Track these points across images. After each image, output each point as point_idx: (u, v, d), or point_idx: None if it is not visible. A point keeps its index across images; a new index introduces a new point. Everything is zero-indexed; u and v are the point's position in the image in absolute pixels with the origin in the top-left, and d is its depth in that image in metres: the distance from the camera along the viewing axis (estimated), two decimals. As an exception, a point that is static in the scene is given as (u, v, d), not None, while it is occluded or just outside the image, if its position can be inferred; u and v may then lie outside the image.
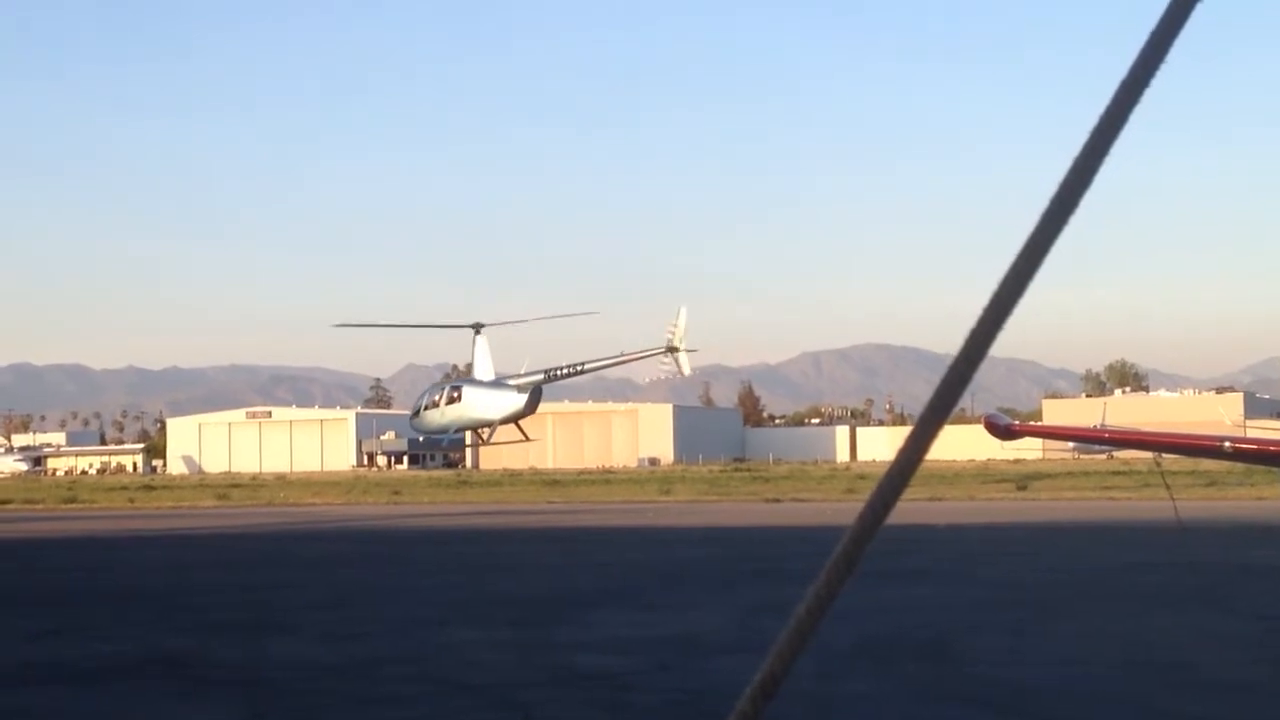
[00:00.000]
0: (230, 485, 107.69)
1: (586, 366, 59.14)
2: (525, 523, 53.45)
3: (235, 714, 14.25)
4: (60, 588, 29.13)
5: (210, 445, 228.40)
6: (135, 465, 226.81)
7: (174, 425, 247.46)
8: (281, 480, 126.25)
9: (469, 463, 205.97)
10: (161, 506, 76.85)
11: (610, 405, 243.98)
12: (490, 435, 59.13)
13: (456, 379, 59.34)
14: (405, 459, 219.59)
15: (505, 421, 57.82)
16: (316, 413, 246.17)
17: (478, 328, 57.52)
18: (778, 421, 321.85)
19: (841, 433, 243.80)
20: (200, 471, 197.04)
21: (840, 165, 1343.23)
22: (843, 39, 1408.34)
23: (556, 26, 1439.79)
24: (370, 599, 25.39)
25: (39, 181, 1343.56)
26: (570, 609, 22.96)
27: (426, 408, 59.21)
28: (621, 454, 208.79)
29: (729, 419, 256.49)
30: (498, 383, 57.15)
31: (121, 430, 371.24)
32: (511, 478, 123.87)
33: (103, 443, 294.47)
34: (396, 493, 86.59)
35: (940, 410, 2.68)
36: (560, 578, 29.29)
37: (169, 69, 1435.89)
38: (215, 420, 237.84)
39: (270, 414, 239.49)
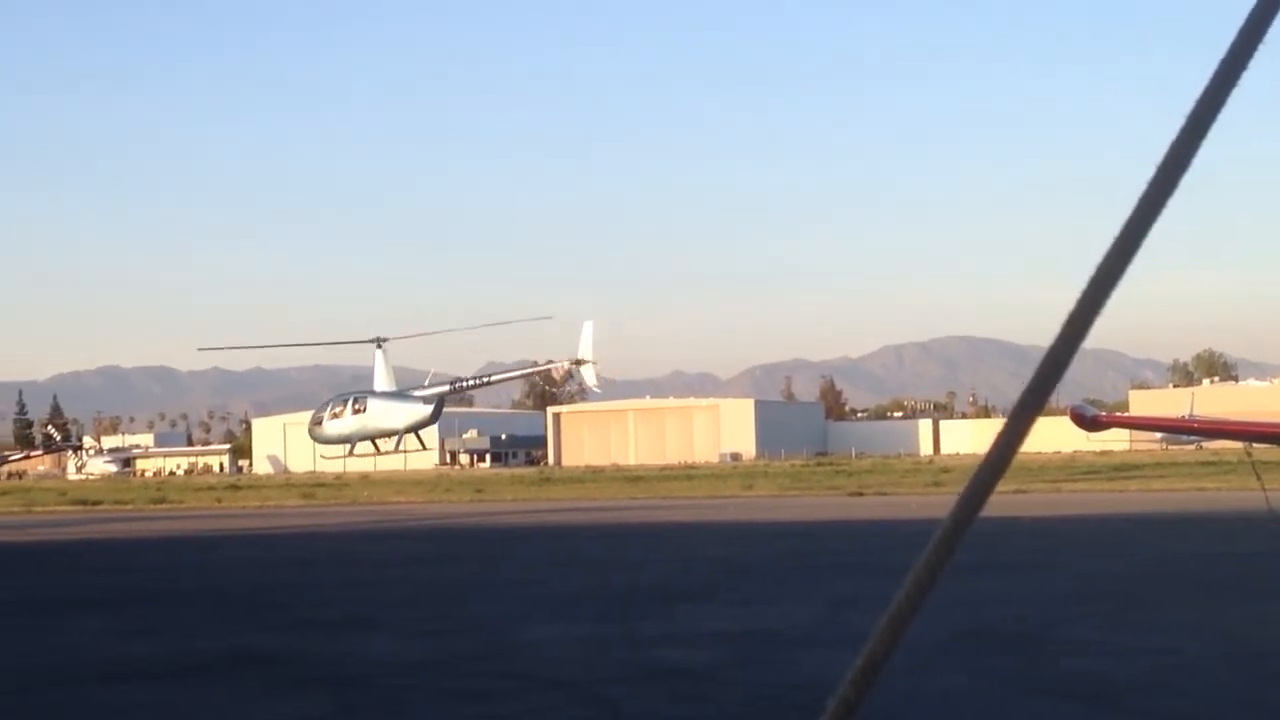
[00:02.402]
0: (315, 484, 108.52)
1: (492, 379, 61.00)
2: (608, 519, 53.51)
3: (324, 709, 14.36)
4: (151, 587, 29.48)
5: (295, 445, 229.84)
6: (222, 465, 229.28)
7: (259, 425, 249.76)
8: (365, 479, 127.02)
9: (551, 460, 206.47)
10: (248, 506, 77.54)
11: (692, 401, 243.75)
12: (399, 444, 59.94)
13: (358, 391, 59.89)
14: (488, 457, 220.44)
15: (409, 430, 58.78)
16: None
17: (379, 342, 58.55)
18: (860, 415, 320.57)
19: (924, 426, 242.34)
20: (285, 471, 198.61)
21: (919, 156, 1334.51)
22: (917, 31, 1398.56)
23: (629, 22, 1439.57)
24: (455, 596, 25.51)
25: (124, 189, 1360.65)
26: (654, 604, 22.96)
27: (328, 418, 59.83)
28: (703, 450, 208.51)
29: (811, 413, 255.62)
30: (402, 394, 58.09)
31: (208, 431, 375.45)
32: (594, 474, 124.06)
33: (189, 444, 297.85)
34: (479, 490, 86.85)
35: (1033, 403, 2.65)
36: (643, 573, 29.31)
37: (252, 70, 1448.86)
38: (299, 420, 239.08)
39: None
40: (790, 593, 24.34)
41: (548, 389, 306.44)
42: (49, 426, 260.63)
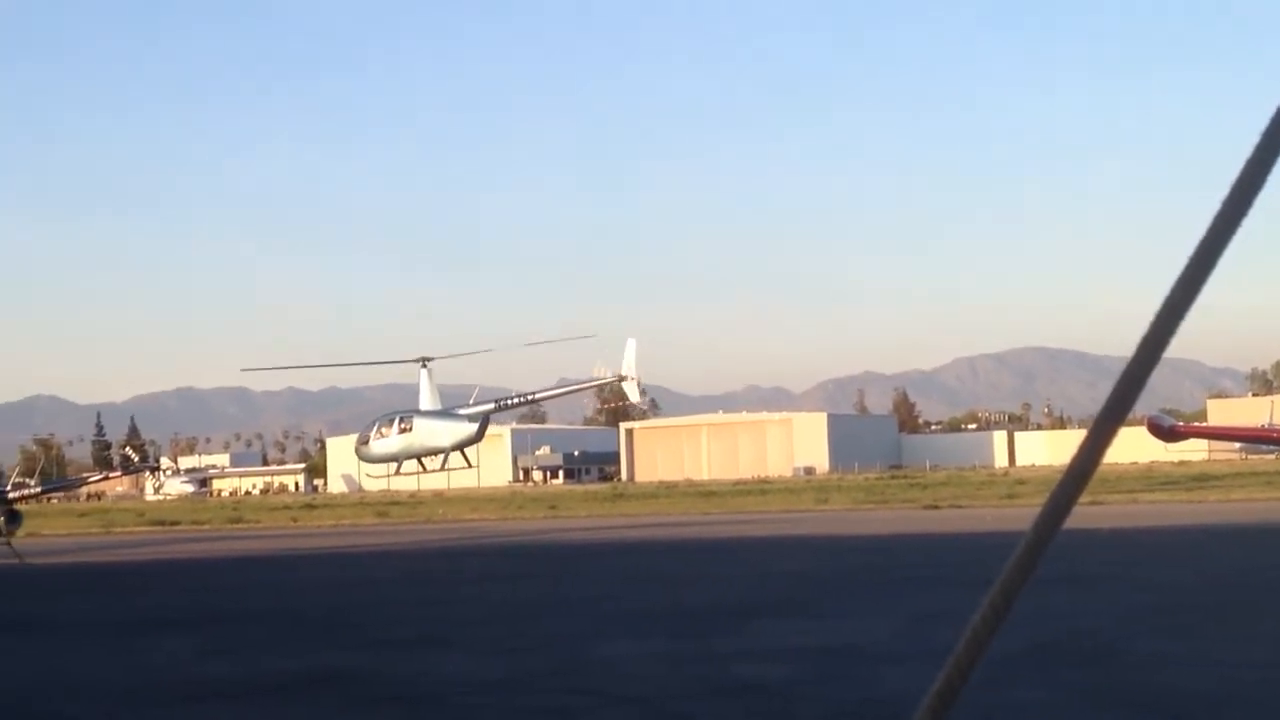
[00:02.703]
0: (389, 503, 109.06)
1: (536, 396, 61.31)
2: (681, 534, 53.47)
3: (400, 729, 14.38)
4: (228, 607, 29.69)
5: (369, 464, 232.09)
6: (297, 485, 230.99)
7: (334, 445, 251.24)
8: (439, 497, 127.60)
9: (624, 475, 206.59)
10: (323, 525, 78.03)
11: (765, 415, 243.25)
12: (445, 462, 60.38)
13: (403, 410, 60.38)
14: (560, 473, 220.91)
15: (455, 448, 59.17)
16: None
17: (424, 361, 59.07)
18: (934, 428, 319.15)
19: (999, 438, 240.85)
20: (360, 490, 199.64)
21: (993, 168, 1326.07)
22: (989, 45, 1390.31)
23: (733, 30, 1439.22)
24: (529, 613, 25.51)
25: (199, 214, 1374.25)
26: (730, 619, 22.88)
27: (375, 436, 60.35)
28: (777, 464, 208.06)
29: (884, 426, 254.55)
30: (447, 412, 58.52)
31: (283, 451, 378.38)
32: (667, 490, 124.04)
33: (265, 463, 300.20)
34: (553, 507, 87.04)
35: (1115, 415, 2.60)
36: (719, 588, 29.23)
37: (353, 96, 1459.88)
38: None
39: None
40: (867, 607, 24.20)
41: (619, 405, 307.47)
42: (127, 448, 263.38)
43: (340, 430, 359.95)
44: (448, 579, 35.72)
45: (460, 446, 58.76)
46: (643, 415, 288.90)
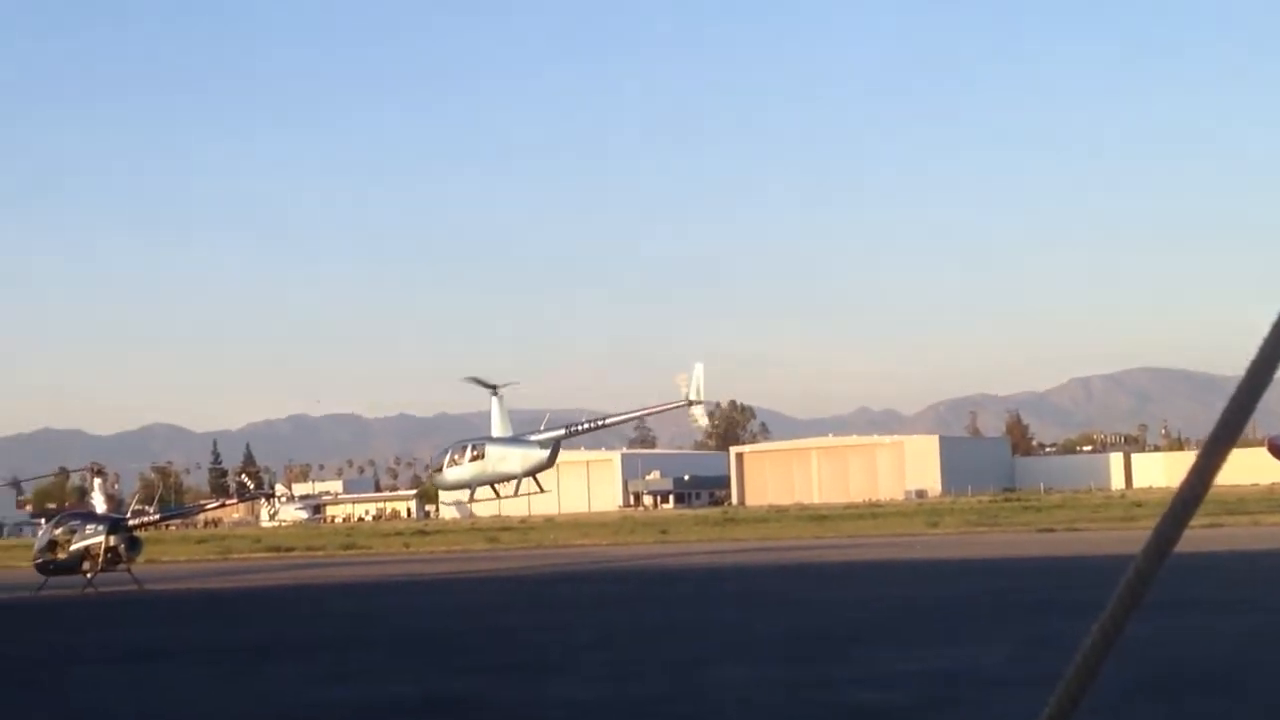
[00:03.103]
0: (501, 529, 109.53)
1: (607, 421, 61.35)
2: (793, 558, 53.27)
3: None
4: (344, 632, 29.99)
5: (479, 490, 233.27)
6: (409, 511, 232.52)
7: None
8: (550, 522, 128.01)
9: (734, 500, 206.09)
10: (435, 551, 78.55)
11: (875, 438, 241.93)
12: (518, 488, 60.69)
13: (475, 438, 60.62)
14: (671, 498, 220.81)
15: (527, 474, 59.41)
16: (582, 454, 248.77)
17: (494, 389, 59.35)
18: (1048, 450, 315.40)
19: (1115, 460, 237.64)
20: (471, 516, 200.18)
21: (1108, 184, 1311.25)
22: (1099, 59, 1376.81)
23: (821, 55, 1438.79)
24: (643, 638, 25.52)
25: (316, 243, 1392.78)
26: (843, 644, 22.77)
27: (448, 464, 60.75)
28: (887, 487, 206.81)
29: (997, 449, 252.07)
30: (518, 439, 58.71)
31: (395, 477, 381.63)
32: (777, 513, 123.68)
33: (377, 489, 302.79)
34: (663, 531, 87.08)
35: (1227, 435, 2.59)
36: (831, 613, 29.11)
37: (446, 123, 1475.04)
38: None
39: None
40: (981, 632, 23.97)
41: (729, 429, 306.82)
42: (242, 475, 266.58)
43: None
44: (560, 604, 35.84)
45: (532, 472, 59.23)
46: (753, 439, 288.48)
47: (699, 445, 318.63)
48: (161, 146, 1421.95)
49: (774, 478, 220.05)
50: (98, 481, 56.83)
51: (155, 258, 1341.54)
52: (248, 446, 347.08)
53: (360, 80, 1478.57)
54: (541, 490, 62.22)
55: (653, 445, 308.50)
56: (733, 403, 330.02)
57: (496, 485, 60.46)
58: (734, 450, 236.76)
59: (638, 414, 60.99)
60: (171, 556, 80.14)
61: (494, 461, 58.33)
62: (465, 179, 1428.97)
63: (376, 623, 32.26)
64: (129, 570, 51.18)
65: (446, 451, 61.80)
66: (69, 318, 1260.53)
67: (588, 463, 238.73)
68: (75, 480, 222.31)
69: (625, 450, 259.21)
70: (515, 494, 60.93)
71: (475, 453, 59.03)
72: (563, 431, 58.77)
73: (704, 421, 59.42)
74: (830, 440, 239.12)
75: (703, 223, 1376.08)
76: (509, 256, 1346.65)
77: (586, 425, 59.90)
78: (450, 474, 60.10)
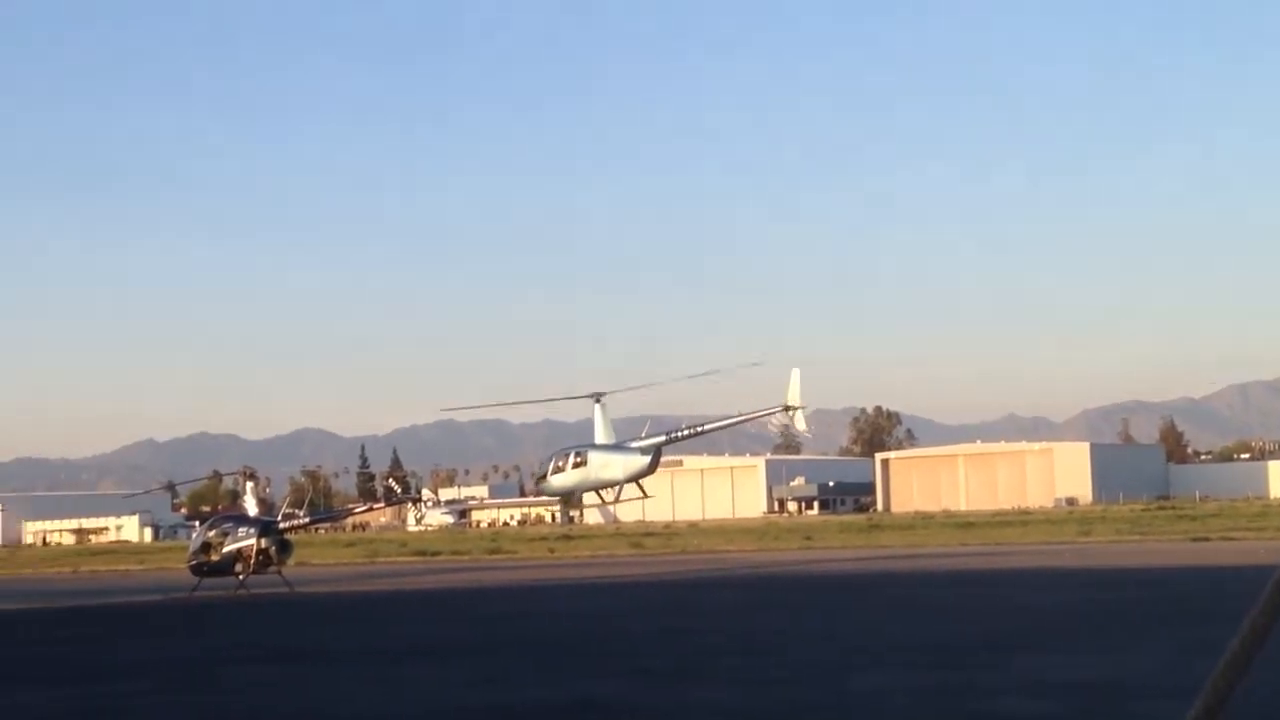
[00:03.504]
0: (644, 534, 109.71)
1: (705, 428, 61.82)
2: (939, 566, 52.75)
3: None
4: (490, 636, 30.20)
5: (654, 495, 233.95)
6: (553, 516, 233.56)
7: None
8: (694, 528, 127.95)
9: (880, 506, 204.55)
10: (579, 556, 78.90)
11: (1024, 445, 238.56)
12: (619, 494, 61.27)
13: (578, 445, 61.22)
14: (815, 504, 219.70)
15: (629, 480, 59.97)
16: (727, 460, 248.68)
17: (597, 397, 59.93)
18: (1204, 457, 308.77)
19: (1275, 467, 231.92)
20: (615, 521, 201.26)
21: (1268, 184, 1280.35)
22: (1238, 49, 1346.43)
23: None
24: (787, 644, 25.40)
25: (463, 251, 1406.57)
26: (990, 652, 22.50)
27: (553, 471, 61.51)
28: (1037, 494, 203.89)
29: (1150, 456, 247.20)
30: (620, 446, 59.24)
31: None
32: (924, 520, 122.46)
33: (522, 494, 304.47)
34: (808, 538, 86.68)
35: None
36: (978, 620, 28.77)
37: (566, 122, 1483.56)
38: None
39: (682, 463, 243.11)
40: (1132, 641, 23.54)
41: (875, 435, 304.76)
42: (390, 479, 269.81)
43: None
44: (703, 609, 35.79)
45: (633, 479, 60.16)
46: (898, 445, 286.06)
47: (844, 451, 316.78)
48: (314, 159, 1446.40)
49: (920, 484, 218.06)
50: (250, 485, 57.87)
51: (306, 267, 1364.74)
52: (395, 451, 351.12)
53: (509, 86, 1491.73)
54: (645, 495, 63.12)
55: (797, 451, 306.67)
56: (878, 408, 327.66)
57: (600, 491, 61.49)
58: (879, 456, 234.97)
59: (735, 420, 61.65)
60: (320, 559, 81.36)
61: (596, 468, 59.30)
62: (597, 183, 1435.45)
63: (521, 626, 32.45)
64: (280, 572, 52.01)
65: (551, 458, 62.85)
66: (223, 327, 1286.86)
67: (732, 469, 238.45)
68: (228, 484, 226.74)
69: (770, 456, 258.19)
70: (616, 500, 61.92)
71: (578, 459, 60.05)
72: (663, 438, 59.64)
73: (802, 426, 59.77)
74: (978, 447, 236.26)
75: (842, 227, 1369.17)
76: (629, 260, 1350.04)
77: (686, 432, 60.70)
78: (555, 480, 61.26)
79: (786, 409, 57.76)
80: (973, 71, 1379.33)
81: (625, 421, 59.52)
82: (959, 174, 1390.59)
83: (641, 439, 59.85)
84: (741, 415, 60.99)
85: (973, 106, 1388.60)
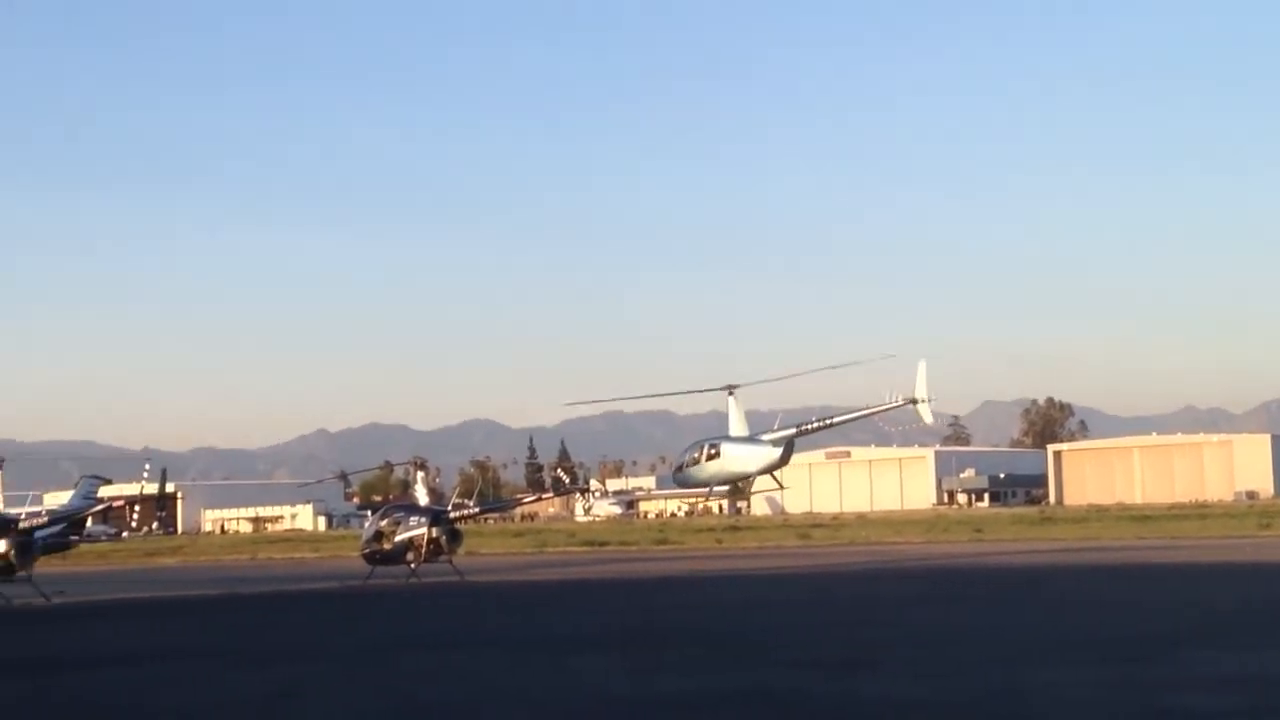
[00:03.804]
0: (812, 525, 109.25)
1: (834, 421, 61.93)
2: (1113, 559, 51.84)
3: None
4: (657, 625, 30.28)
5: (791, 486, 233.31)
6: (720, 507, 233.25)
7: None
8: (862, 519, 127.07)
9: (1052, 499, 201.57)
10: (747, 547, 78.83)
11: (1201, 437, 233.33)
12: (751, 485, 61.64)
13: (712, 437, 61.47)
14: (986, 496, 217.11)
15: (761, 473, 60.51)
16: (895, 451, 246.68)
17: (730, 389, 60.20)
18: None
19: None
20: (782, 512, 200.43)
21: None
22: None
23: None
24: (956, 636, 25.12)
25: (626, 243, 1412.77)
26: (1164, 647, 22.07)
27: (688, 464, 62.00)
28: (1215, 488, 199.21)
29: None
30: (752, 438, 59.54)
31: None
32: (1098, 513, 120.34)
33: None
34: (978, 530, 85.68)
35: None
36: (1155, 615, 28.29)
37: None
38: (796, 461, 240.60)
39: (849, 454, 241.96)
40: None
41: (1047, 427, 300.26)
42: (558, 470, 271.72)
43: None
44: (873, 601, 35.54)
45: (766, 471, 60.84)
46: (1071, 437, 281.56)
47: (1015, 443, 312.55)
48: (481, 153, 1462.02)
49: (1093, 477, 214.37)
50: (420, 475, 58.75)
51: (477, 261, 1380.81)
52: (563, 443, 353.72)
53: (675, 83, 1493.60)
54: (781, 487, 63.88)
55: (967, 443, 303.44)
56: (1050, 400, 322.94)
57: (736, 483, 62.32)
58: (1051, 448, 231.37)
59: (862, 414, 61.96)
60: (490, 549, 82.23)
61: (729, 461, 60.04)
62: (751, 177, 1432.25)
63: (691, 616, 32.48)
64: (451, 561, 52.67)
65: (688, 450, 63.74)
66: (394, 321, 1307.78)
67: (900, 460, 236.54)
68: (399, 474, 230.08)
69: (939, 447, 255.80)
70: (749, 492, 63.70)
71: (713, 451, 60.82)
72: (794, 430, 60.15)
73: (929, 419, 59.89)
74: (1153, 439, 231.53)
75: (1016, 219, 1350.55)
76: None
77: (816, 424, 61.25)
78: (691, 472, 62.16)
79: (912, 402, 58.11)
80: (1156, 66, 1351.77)
81: (757, 415, 60.25)
82: (1132, 166, 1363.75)
83: (774, 431, 60.53)
84: (869, 408, 61.47)
85: (1149, 100, 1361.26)
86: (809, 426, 60.82)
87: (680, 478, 64.98)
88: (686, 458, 62.93)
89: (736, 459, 59.72)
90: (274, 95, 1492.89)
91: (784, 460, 61.02)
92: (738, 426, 60.57)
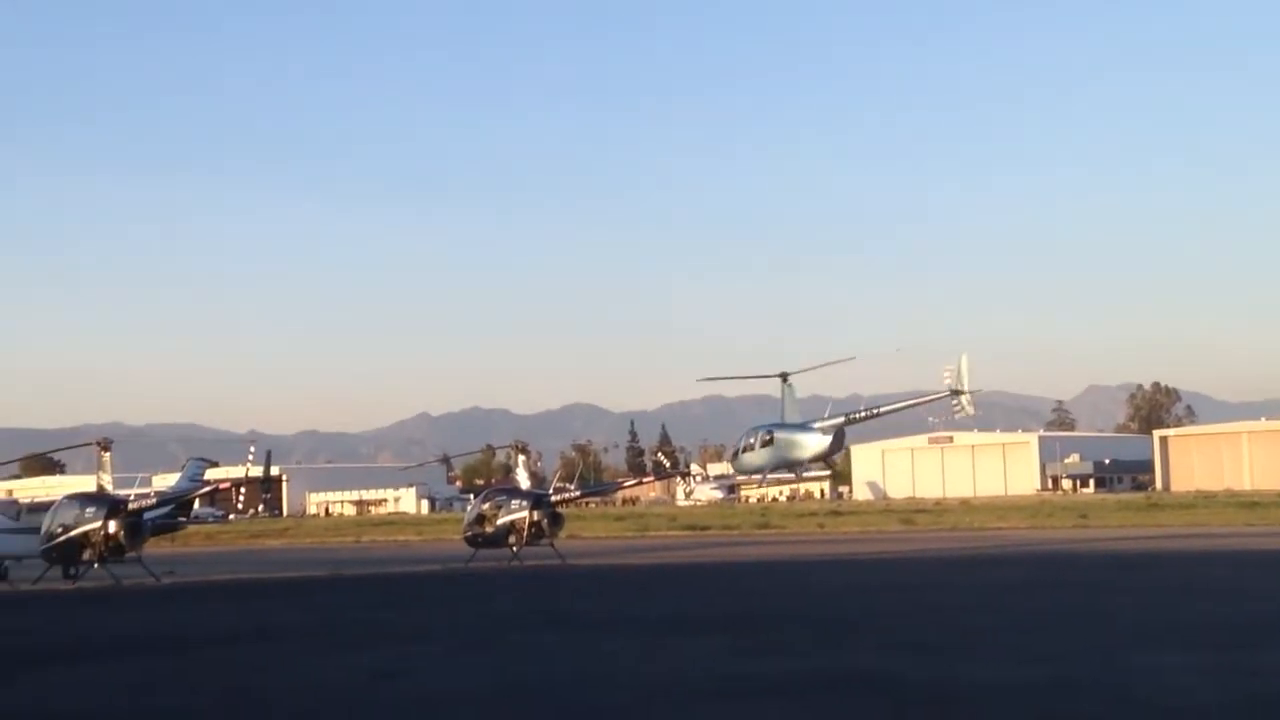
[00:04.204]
0: (914, 510, 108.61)
1: (880, 410, 62.70)
2: (1222, 546, 51.16)
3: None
4: (758, 608, 30.33)
5: (894, 471, 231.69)
6: (822, 492, 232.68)
7: (858, 452, 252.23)
8: (965, 505, 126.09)
9: (1159, 484, 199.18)
10: (849, 531, 78.57)
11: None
12: (801, 471, 62.58)
13: (769, 424, 61.99)
14: (1091, 482, 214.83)
15: (814, 460, 62.46)
16: (998, 437, 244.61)
17: (784, 376, 60.90)
18: None
19: None
20: (884, 497, 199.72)
21: None
22: None
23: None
24: (1061, 622, 24.97)
25: (717, 229, 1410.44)
26: (1271, 633, 21.82)
27: (743, 450, 62.84)
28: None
29: None
30: (804, 426, 60.30)
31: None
32: (1205, 500, 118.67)
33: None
34: (1083, 516, 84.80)
35: None
36: (1266, 602, 27.92)
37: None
38: (898, 446, 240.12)
39: (952, 439, 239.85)
40: None
41: (1153, 412, 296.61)
42: (659, 454, 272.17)
43: (865, 437, 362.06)
44: (976, 587, 35.33)
45: (818, 459, 62.12)
46: (1177, 422, 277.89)
47: (1120, 429, 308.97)
48: (575, 140, 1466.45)
49: (1201, 462, 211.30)
50: (521, 459, 59.10)
51: (575, 245, 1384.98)
52: (663, 427, 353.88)
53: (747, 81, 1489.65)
54: (833, 473, 66.72)
55: (1071, 428, 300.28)
56: (1156, 384, 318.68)
57: (789, 469, 63.13)
58: (1158, 434, 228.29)
59: (909, 404, 63.11)
60: (591, 533, 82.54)
61: (782, 448, 61.04)
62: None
63: (791, 600, 32.52)
64: (552, 545, 52.99)
65: (743, 436, 64.69)
66: (495, 306, 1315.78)
67: (1003, 445, 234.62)
68: (500, 457, 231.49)
69: (1043, 432, 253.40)
70: (799, 478, 64.59)
71: (767, 438, 61.75)
72: (843, 419, 61.12)
73: (970, 410, 60.46)
74: (1263, 424, 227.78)
75: (1126, 206, 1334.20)
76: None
77: (863, 413, 62.27)
78: (746, 458, 63.39)
79: (954, 393, 58.76)
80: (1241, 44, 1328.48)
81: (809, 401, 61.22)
82: (1242, 146, 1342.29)
83: (825, 419, 61.27)
84: (914, 399, 62.50)
85: (1262, 76, 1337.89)
86: (857, 415, 61.75)
87: (737, 464, 66.09)
88: (743, 443, 63.88)
89: (790, 446, 60.77)
90: (380, 78, 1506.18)
91: (835, 448, 62.33)
92: (791, 413, 61.49)
